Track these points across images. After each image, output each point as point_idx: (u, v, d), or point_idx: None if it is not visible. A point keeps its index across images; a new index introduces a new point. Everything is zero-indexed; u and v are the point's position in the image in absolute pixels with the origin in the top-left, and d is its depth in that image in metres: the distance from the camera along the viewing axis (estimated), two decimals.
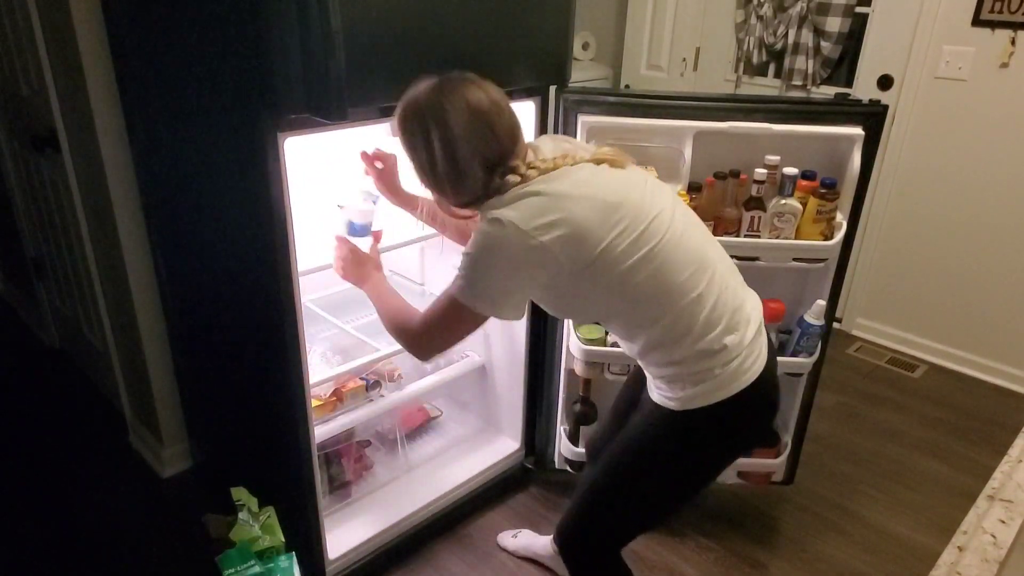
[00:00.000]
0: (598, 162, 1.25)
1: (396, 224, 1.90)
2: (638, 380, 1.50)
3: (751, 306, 1.32)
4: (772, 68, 3.37)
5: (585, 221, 1.15)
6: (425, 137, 1.19)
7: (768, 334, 1.88)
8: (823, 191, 1.74)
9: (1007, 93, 2.69)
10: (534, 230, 1.14)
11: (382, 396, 1.97)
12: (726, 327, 1.24)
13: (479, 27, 1.54)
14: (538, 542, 1.98)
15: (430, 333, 1.31)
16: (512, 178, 1.19)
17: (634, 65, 3.77)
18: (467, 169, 1.20)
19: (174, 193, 1.80)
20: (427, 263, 2.30)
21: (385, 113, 1.51)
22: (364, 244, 1.64)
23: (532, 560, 2.01)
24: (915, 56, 2.87)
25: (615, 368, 1.96)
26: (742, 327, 1.27)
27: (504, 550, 2.03)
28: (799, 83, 3.21)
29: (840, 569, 2.04)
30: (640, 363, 1.36)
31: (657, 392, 1.33)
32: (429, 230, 1.90)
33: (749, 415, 1.31)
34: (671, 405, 1.29)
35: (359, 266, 1.55)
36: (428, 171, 1.23)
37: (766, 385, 1.29)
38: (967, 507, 0.91)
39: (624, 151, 1.29)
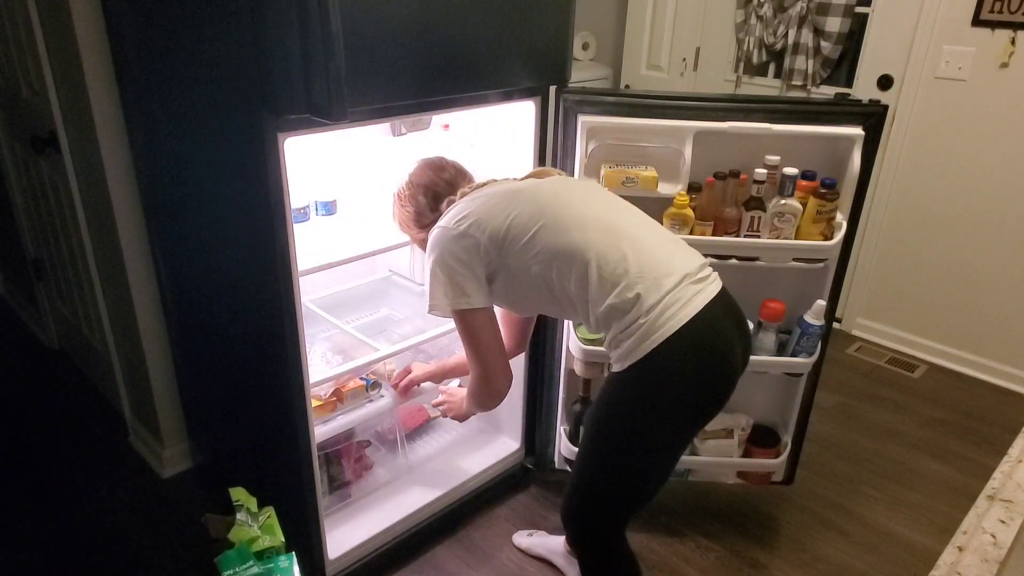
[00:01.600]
0: (532, 177, 1.57)
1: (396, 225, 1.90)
2: None
3: (680, 261, 1.38)
4: (772, 68, 3.37)
5: (487, 211, 1.44)
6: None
7: (768, 333, 1.89)
8: (823, 191, 1.74)
9: (1007, 93, 2.69)
10: (454, 224, 1.44)
11: (382, 396, 1.97)
12: (636, 279, 1.33)
13: (479, 27, 1.54)
14: (551, 540, 2.00)
15: (481, 361, 1.53)
16: (451, 199, 1.57)
17: (634, 65, 3.77)
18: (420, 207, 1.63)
19: (174, 193, 1.80)
20: (427, 263, 2.30)
21: (384, 113, 1.51)
22: None
23: (535, 560, 2.01)
24: (915, 56, 2.87)
25: None
26: (661, 279, 1.33)
27: (518, 548, 2.04)
28: (799, 83, 3.21)
29: (840, 569, 2.04)
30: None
31: (614, 362, 1.40)
32: None
33: (686, 358, 1.33)
34: (616, 368, 1.38)
35: (458, 406, 1.85)
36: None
37: (701, 328, 1.32)
38: (967, 507, 0.91)
39: (550, 170, 1.61)
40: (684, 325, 1.30)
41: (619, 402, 1.40)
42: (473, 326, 1.48)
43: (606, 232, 1.38)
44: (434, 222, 1.53)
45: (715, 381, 1.39)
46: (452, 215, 1.47)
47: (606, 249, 1.35)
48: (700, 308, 1.32)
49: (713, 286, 1.38)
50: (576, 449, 2.06)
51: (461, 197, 1.54)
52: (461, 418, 1.89)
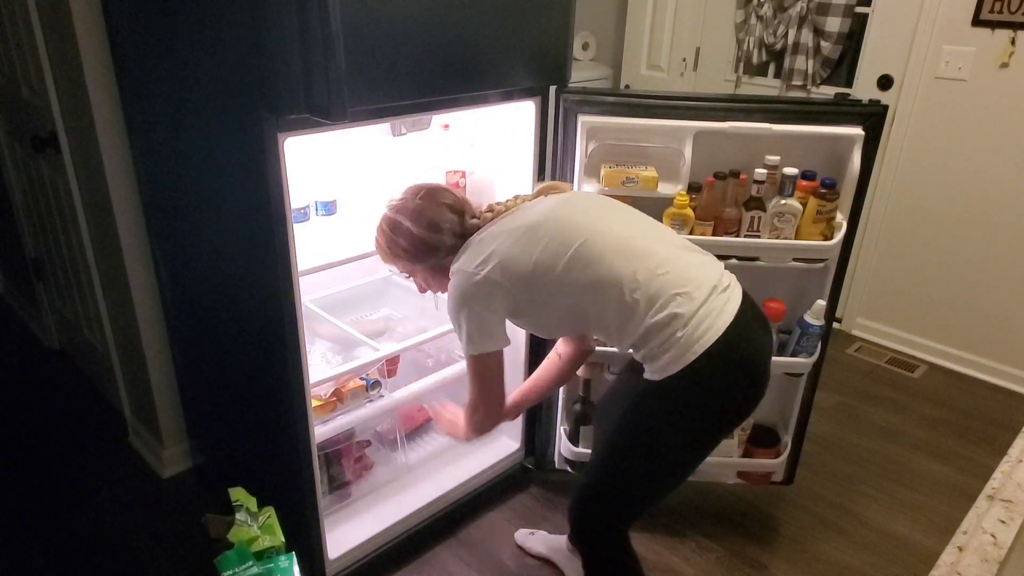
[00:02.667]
0: (542, 194, 1.53)
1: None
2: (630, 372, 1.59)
3: (706, 273, 1.39)
4: (772, 68, 3.37)
5: (508, 252, 1.40)
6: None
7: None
8: (823, 191, 1.74)
9: (1007, 93, 2.69)
10: (475, 269, 1.41)
11: (382, 396, 1.97)
12: (670, 296, 1.33)
13: (479, 27, 1.54)
14: (554, 540, 2.01)
15: (482, 398, 1.54)
16: (473, 222, 1.50)
17: (634, 65, 3.77)
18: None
19: (174, 193, 1.80)
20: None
21: (385, 113, 1.51)
22: None
23: (535, 559, 2.01)
24: (915, 56, 2.87)
25: (615, 368, 1.96)
26: (693, 292, 1.34)
27: (520, 547, 2.05)
28: (799, 83, 3.21)
29: (840, 569, 2.04)
30: (632, 356, 1.44)
31: (645, 373, 1.40)
32: None
33: (725, 368, 1.35)
34: (653, 377, 1.36)
35: (456, 425, 1.75)
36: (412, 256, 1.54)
37: (735, 338, 1.34)
38: (967, 507, 0.91)
39: (560, 185, 1.59)
40: (720, 336, 1.32)
41: (655, 411, 1.40)
42: (489, 365, 1.48)
43: (633, 255, 1.37)
44: (442, 259, 1.50)
45: (751, 388, 1.42)
46: (471, 257, 1.42)
47: (637, 274, 1.34)
48: (732, 317, 1.34)
49: (737, 292, 1.41)
50: (576, 449, 2.06)
51: (473, 231, 1.48)
52: (458, 438, 1.83)
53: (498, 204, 1.52)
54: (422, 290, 1.62)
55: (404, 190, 1.54)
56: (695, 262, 1.42)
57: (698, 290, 1.35)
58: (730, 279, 1.43)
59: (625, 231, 1.42)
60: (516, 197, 1.55)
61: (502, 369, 1.51)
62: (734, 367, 1.37)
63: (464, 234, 1.48)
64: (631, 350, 1.41)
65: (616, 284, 1.35)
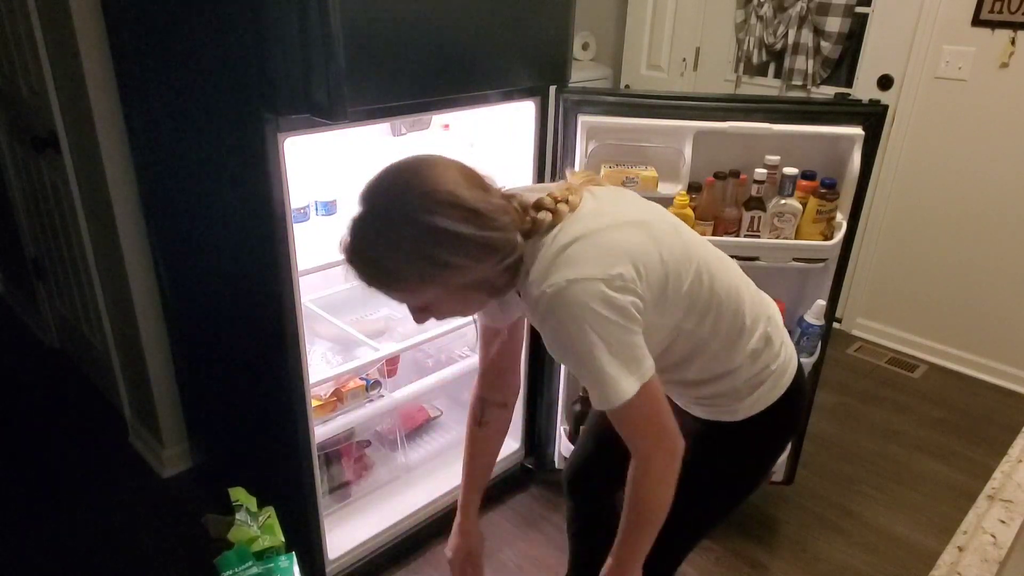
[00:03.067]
0: (583, 187, 1.12)
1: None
2: None
3: (763, 295, 1.26)
4: (772, 68, 3.36)
5: (638, 249, 1.02)
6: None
7: None
8: (823, 191, 1.74)
9: (1007, 93, 2.69)
10: (606, 272, 0.98)
11: (382, 396, 1.97)
12: (760, 319, 1.18)
13: (479, 27, 1.54)
14: None
15: (659, 434, 1.07)
16: (543, 215, 1.02)
17: (634, 65, 3.77)
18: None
19: (174, 193, 1.80)
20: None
21: (384, 113, 1.51)
22: None
23: (535, 559, 2.01)
24: (915, 56, 2.87)
25: None
26: (773, 314, 1.22)
27: None
28: (799, 83, 3.21)
29: (840, 569, 2.04)
30: (689, 394, 1.23)
31: (705, 412, 1.24)
32: None
33: (802, 398, 1.26)
34: (734, 418, 1.20)
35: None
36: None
37: (800, 366, 1.26)
38: (967, 507, 0.91)
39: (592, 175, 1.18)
40: (797, 363, 1.23)
41: (738, 452, 1.24)
42: (653, 394, 1.04)
43: (728, 267, 1.17)
44: (500, 266, 1.00)
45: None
46: (591, 260, 0.99)
47: (740, 291, 1.15)
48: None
49: None
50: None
51: (542, 226, 1.02)
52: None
53: (546, 194, 1.06)
54: (421, 320, 1.08)
55: (389, 178, 1.01)
56: (748, 278, 1.24)
57: (775, 311, 1.20)
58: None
59: (700, 239, 1.18)
60: (565, 184, 1.11)
61: (661, 401, 1.06)
62: (805, 390, 1.27)
63: (530, 231, 1.02)
64: (695, 390, 1.21)
65: (731, 300, 1.13)
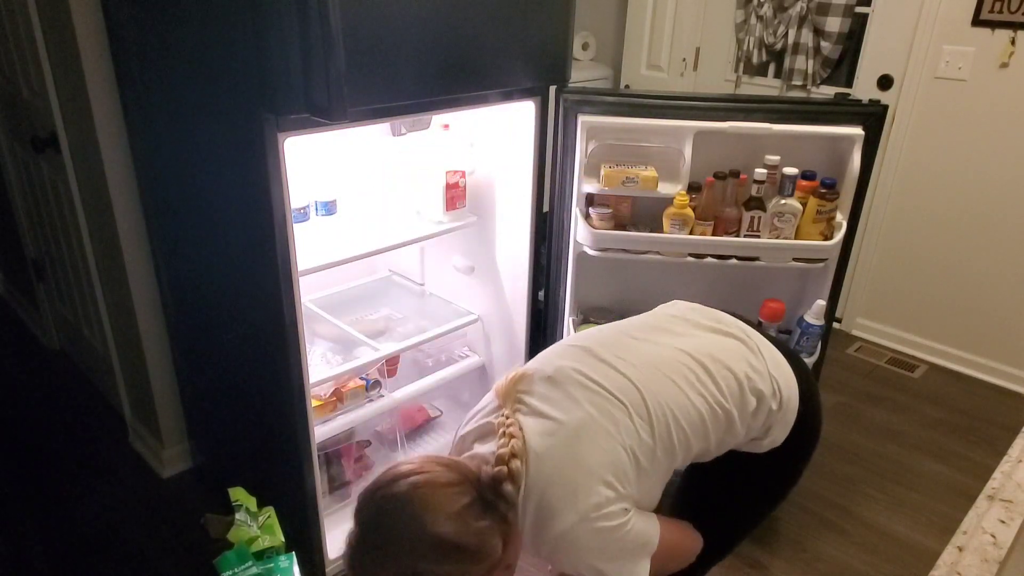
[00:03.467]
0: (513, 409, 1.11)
1: (395, 224, 1.90)
2: None
3: (747, 344, 1.24)
4: (772, 68, 3.36)
5: (604, 456, 1.04)
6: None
7: (768, 332, 1.89)
8: (823, 191, 1.75)
9: (1007, 93, 2.69)
10: (587, 510, 1.01)
11: (382, 396, 1.97)
12: (734, 390, 1.16)
13: (479, 27, 1.54)
14: None
15: (678, 564, 1.21)
16: (507, 488, 1.00)
17: (634, 65, 3.77)
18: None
19: (174, 193, 1.80)
20: (427, 263, 2.31)
21: (384, 113, 1.51)
22: None
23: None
24: (915, 56, 2.87)
25: None
26: (748, 366, 1.19)
27: None
28: (799, 83, 3.21)
29: (840, 569, 2.04)
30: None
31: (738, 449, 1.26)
32: (429, 230, 1.91)
33: (814, 399, 1.28)
34: (766, 446, 1.23)
35: None
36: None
37: (802, 374, 1.27)
38: (967, 507, 0.91)
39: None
40: (795, 378, 1.24)
41: (780, 470, 1.29)
42: (661, 549, 1.10)
43: (694, 372, 1.15)
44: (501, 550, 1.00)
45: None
46: (567, 502, 1.01)
47: (717, 385, 1.15)
48: (782, 356, 1.27)
49: (758, 336, 1.28)
50: None
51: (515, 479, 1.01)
52: None
53: (494, 446, 1.05)
54: None
55: (383, 514, 1.00)
56: (721, 341, 1.23)
57: (759, 358, 1.21)
58: (740, 327, 1.28)
59: (655, 356, 1.16)
60: (499, 410, 1.12)
61: (671, 521, 1.17)
62: (814, 396, 1.29)
63: (505, 505, 1.00)
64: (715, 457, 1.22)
65: (711, 405, 1.13)
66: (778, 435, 1.22)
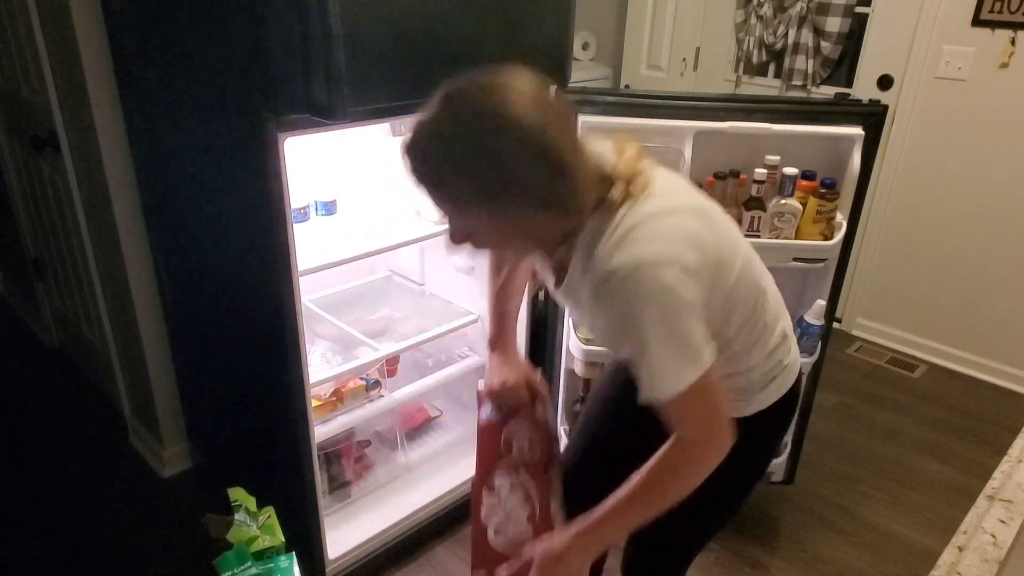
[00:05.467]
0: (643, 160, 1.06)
1: (395, 224, 1.90)
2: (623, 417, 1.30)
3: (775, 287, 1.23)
4: (772, 68, 3.36)
5: (704, 236, 1.00)
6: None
7: None
8: (823, 191, 1.74)
9: (1007, 93, 2.69)
10: (678, 256, 0.95)
11: (382, 396, 1.97)
12: (781, 315, 1.16)
13: (479, 27, 1.54)
14: None
15: (712, 418, 1.02)
16: (616, 192, 0.97)
17: (634, 65, 3.77)
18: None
19: (174, 193, 1.80)
20: (427, 263, 2.30)
21: (384, 113, 1.51)
22: None
23: None
24: (915, 56, 2.87)
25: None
26: (784, 309, 1.19)
27: None
28: (799, 83, 3.21)
29: (840, 569, 2.04)
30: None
31: None
32: (429, 229, 1.91)
33: (799, 393, 1.27)
34: (742, 414, 1.16)
35: (559, 561, 1.08)
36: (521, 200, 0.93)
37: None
38: (967, 507, 0.91)
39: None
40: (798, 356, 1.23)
41: (748, 448, 1.12)
42: (709, 386, 0.99)
43: (756, 260, 1.14)
44: (566, 233, 1.00)
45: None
46: (666, 240, 0.96)
47: (765, 286, 1.14)
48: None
49: None
50: None
51: (616, 201, 0.98)
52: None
53: (613, 165, 1.00)
54: (458, 241, 1.00)
55: (484, 92, 0.92)
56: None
57: (782, 303, 1.18)
58: None
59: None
60: (624, 150, 1.04)
61: (718, 390, 1.04)
62: (800, 390, 1.28)
63: (605, 204, 0.98)
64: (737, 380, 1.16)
65: (758, 297, 1.10)
66: (770, 395, 1.18)
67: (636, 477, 1.04)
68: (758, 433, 1.20)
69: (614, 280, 0.94)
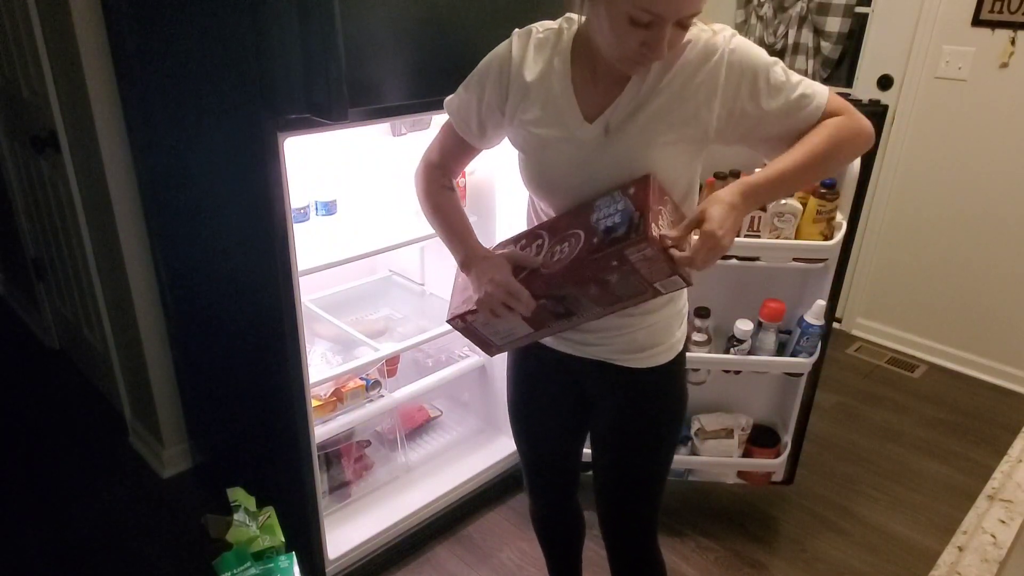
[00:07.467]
0: None
1: (395, 224, 1.90)
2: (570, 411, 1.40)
3: None
4: None
5: None
6: None
7: (768, 333, 1.89)
8: (823, 191, 1.74)
9: (1007, 93, 2.69)
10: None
11: (382, 396, 1.97)
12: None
13: (479, 27, 1.54)
14: None
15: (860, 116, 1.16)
16: None
17: None
18: None
19: (174, 193, 1.80)
20: (427, 263, 2.31)
21: (384, 113, 1.51)
22: None
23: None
24: (915, 56, 2.87)
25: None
26: None
27: None
28: None
29: (840, 569, 2.04)
30: (643, 323, 1.23)
31: (642, 357, 1.25)
32: (429, 230, 1.90)
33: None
34: (669, 355, 1.27)
35: (734, 208, 1.16)
36: None
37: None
38: (967, 507, 0.91)
39: None
40: None
41: (681, 391, 1.34)
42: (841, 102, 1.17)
43: None
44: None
45: None
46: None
47: None
48: None
49: None
50: None
51: None
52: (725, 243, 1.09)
53: None
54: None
55: None
56: None
57: None
58: None
59: None
60: None
61: None
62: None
63: None
64: (653, 316, 1.22)
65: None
66: (679, 340, 1.28)
67: (804, 146, 1.15)
68: (677, 378, 1.32)
69: (725, 46, 1.10)
